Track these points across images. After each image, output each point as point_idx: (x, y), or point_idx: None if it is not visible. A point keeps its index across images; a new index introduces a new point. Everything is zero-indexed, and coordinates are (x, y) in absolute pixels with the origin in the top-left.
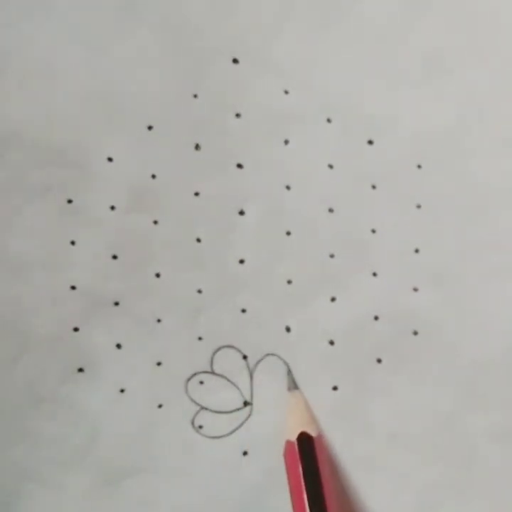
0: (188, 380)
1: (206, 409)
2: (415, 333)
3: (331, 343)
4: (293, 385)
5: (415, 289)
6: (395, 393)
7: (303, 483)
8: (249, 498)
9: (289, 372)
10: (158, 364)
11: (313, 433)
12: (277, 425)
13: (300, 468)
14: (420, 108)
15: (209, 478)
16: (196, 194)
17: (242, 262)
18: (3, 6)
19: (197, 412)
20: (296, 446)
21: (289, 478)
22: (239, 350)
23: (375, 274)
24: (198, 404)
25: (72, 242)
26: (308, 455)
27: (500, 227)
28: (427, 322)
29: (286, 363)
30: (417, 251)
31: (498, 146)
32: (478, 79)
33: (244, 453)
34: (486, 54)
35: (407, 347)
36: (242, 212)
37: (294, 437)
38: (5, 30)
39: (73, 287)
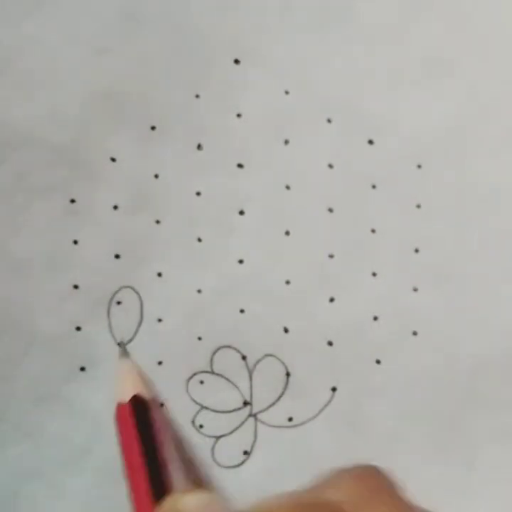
0: (189, 379)
1: (206, 408)
2: (415, 333)
3: (330, 343)
4: (124, 354)
5: (415, 289)
6: (395, 394)
7: (138, 444)
8: (249, 498)
9: (122, 343)
10: (159, 363)
11: (146, 396)
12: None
13: (134, 431)
14: (420, 108)
15: (209, 478)
16: (198, 194)
17: (241, 262)
18: (6, 5)
19: (197, 412)
20: (129, 408)
21: (121, 441)
22: (238, 351)
23: (374, 274)
24: (198, 403)
25: (75, 242)
26: (142, 418)
27: (500, 227)
28: (426, 322)
29: (284, 364)
30: (416, 251)
31: (498, 146)
32: (478, 79)
33: (245, 452)
34: (486, 54)
35: (407, 347)
36: (242, 212)
37: (126, 399)
38: (8, 30)
39: (76, 286)
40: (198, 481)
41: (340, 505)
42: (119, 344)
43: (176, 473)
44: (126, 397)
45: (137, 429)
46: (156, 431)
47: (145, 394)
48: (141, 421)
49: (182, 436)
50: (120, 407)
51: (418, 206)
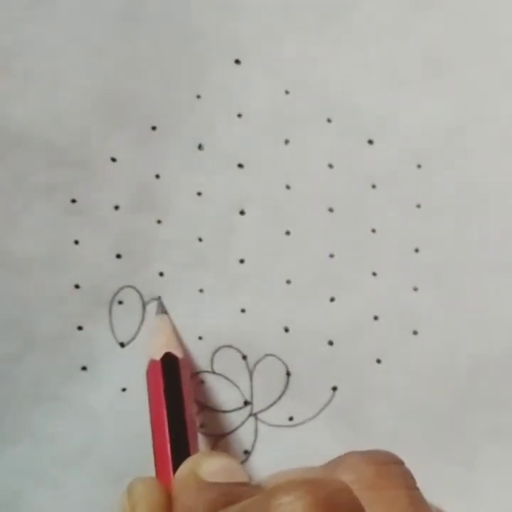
0: (189, 379)
1: (207, 408)
2: (415, 333)
3: (331, 343)
4: (161, 310)
5: (415, 289)
6: (395, 393)
7: (164, 402)
8: None
9: (159, 298)
10: None
11: (178, 355)
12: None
13: (162, 387)
14: (420, 108)
15: None
16: (199, 194)
17: (242, 261)
18: (6, 6)
19: (198, 411)
20: (160, 366)
21: (150, 397)
22: (238, 350)
23: (374, 274)
24: (199, 403)
25: (76, 242)
26: (171, 375)
27: (500, 227)
28: (426, 322)
29: (285, 364)
30: (417, 251)
31: (498, 146)
32: (478, 79)
33: (245, 452)
34: (486, 54)
35: (407, 347)
36: (242, 212)
37: (158, 357)
38: (8, 31)
39: (77, 286)
40: None
41: (346, 484)
42: (158, 298)
43: (196, 434)
44: (159, 354)
45: (165, 387)
46: (183, 390)
47: (177, 352)
48: (170, 379)
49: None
50: (152, 363)
51: (418, 206)
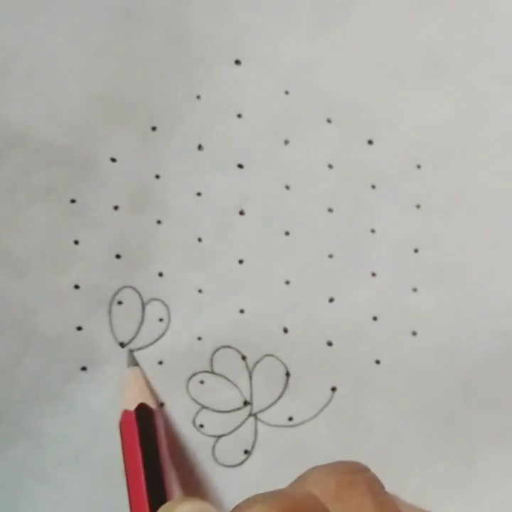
0: (189, 379)
1: (207, 408)
2: (414, 333)
3: (330, 343)
4: (132, 362)
5: (414, 289)
6: (395, 394)
7: (139, 452)
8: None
9: (131, 351)
10: (160, 363)
11: (152, 405)
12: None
13: (137, 438)
14: (420, 108)
15: (210, 477)
16: (198, 194)
17: (241, 262)
18: (6, 6)
19: (198, 411)
20: (134, 416)
21: (123, 447)
22: (238, 351)
23: (374, 274)
24: (198, 403)
25: (76, 242)
26: (146, 425)
27: (500, 227)
28: (426, 322)
29: (284, 364)
30: (416, 251)
31: (498, 146)
32: (478, 78)
33: (246, 452)
34: (486, 54)
35: (406, 347)
36: (242, 212)
37: (132, 407)
38: (8, 31)
39: (77, 286)
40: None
41: (313, 494)
42: (129, 351)
43: (174, 483)
44: (132, 406)
45: (140, 438)
46: (158, 440)
47: (151, 403)
48: (145, 430)
49: (184, 443)
50: (125, 414)
51: (418, 206)
